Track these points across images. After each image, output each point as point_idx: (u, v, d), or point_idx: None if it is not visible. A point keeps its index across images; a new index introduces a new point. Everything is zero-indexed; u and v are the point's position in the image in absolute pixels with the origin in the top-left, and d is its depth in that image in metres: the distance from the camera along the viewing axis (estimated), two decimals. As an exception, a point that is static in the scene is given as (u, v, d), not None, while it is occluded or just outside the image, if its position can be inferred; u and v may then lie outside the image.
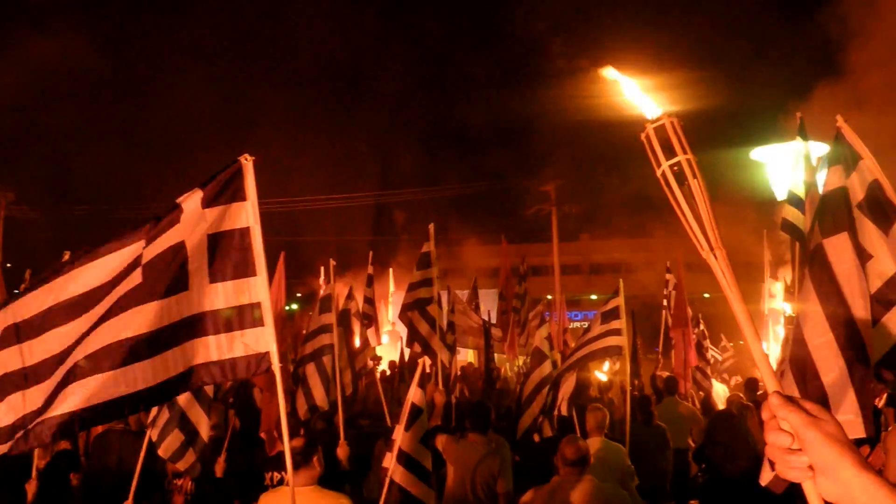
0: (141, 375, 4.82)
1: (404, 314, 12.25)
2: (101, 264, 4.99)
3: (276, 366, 5.15)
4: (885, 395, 12.98)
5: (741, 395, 12.35)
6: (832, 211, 4.99)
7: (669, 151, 1.64)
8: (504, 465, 7.73)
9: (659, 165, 1.66)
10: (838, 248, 4.78)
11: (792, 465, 1.49)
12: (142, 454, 7.02)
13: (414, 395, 6.71)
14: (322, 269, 11.28)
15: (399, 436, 6.61)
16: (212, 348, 5.08)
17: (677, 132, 1.65)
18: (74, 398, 4.69)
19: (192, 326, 5.04)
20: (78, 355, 4.79)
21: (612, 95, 1.83)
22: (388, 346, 21.99)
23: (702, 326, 17.47)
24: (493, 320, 18.48)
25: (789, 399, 1.51)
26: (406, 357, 17.01)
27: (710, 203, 1.62)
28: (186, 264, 5.05)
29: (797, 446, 1.48)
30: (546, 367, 9.79)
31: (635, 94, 1.80)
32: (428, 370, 12.62)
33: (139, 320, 4.85)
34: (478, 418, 8.09)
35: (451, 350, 13.50)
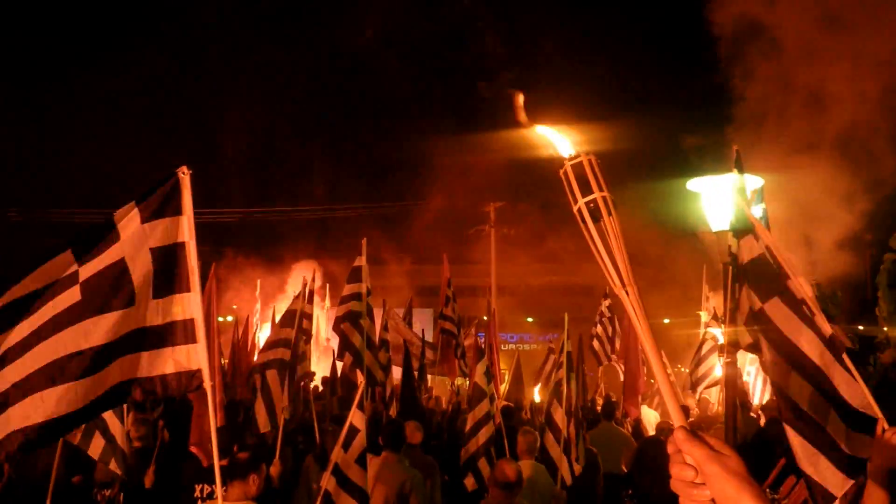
0: (82, 393, 4.70)
1: (338, 326, 12.25)
2: (29, 283, 4.81)
3: (207, 383, 5.08)
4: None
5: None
6: (760, 278, 5.38)
7: (586, 188, 1.68)
8: (416, 482, 7.73)
9: (575, 202, 1.69)
10: (779, 311, 5.11)
11: (695, 498, 1.53)
12: (56, 461, 6.92)
13: (353, 416, 6.71)
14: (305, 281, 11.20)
15: (337, 455, 6.60)
16: (144, 364, 4.97)
17: (594, 169, 1.68)
18: (13, 420, 4.56)
19: (129, 341, 4.93)
20: (9, 376, 4.64)
21: (537, 131, 1.86)
22: (322, 362, 21.83)
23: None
24: (430, 339, 18.49)
25: (693, 434, 1.54)
26: (338, 372, 16.94)
27: (622, 240, 1.65)
28: (131, 280, 4.94)
29: (700, 480, 1.52)
30: (485, 405, 9.85)
31: (555, 132, 1.83)
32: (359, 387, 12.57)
33: (79, 338, 4.75)
34: (391, 437, 8.10)
35: (386, 369, 13.45)
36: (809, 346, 4.98)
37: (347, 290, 12.27)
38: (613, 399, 15.18)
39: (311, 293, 13.99)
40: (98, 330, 4.81)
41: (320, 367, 20.37)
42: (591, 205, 1.67)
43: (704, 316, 17.32)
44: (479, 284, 36.95)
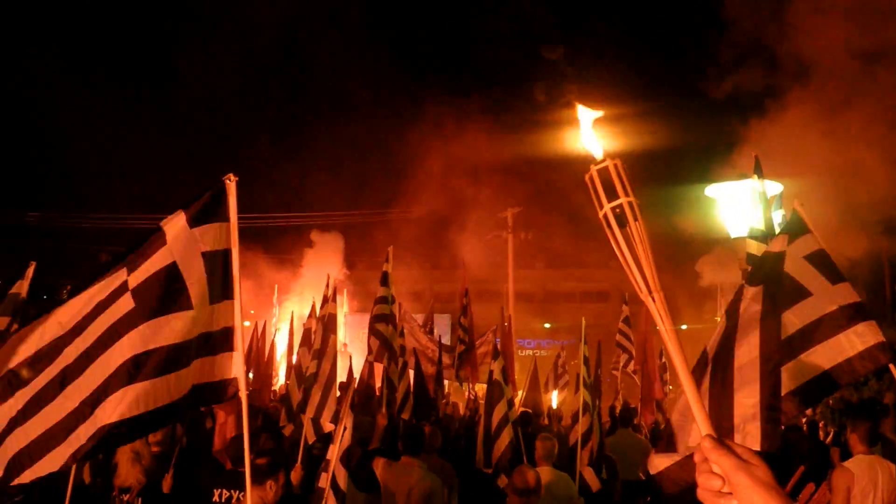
0: (146, 396, 4.68)
1: (373, 326, 12.34)
2: (86, 298, 4.85)
3: (243, 392, 5.08)
4: (831, 433, 13.19)
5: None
6: (760, 266, 5.60)
7: (612, 193, 1.66)
8: (435, 487, 7.70)
9: (601, 207, 1.67)
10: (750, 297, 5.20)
11: None
12: (74, 465, 6.93)
13: (344, 416, 6.74)
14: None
15: (332, 453, 6.63)
16: (194, 374, 4.94)
17: (620, 175, 1.66)
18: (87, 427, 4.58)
19: (191, 348, 4.91)
20: (77, 388, 4.65)
21: (565, 132, 1.85)
22: (339, 367, 21.80)
23: (664, 359, 17.63)
24: (447, 342, 18.54)
25: (721, 443, 1.52)
26: (356, 379, 16.96)
27: (650, 246, 1.63)
28: (185, 284, 4.92)
29: (727, 490, 1.50)
30: (503, 406, 9.83)
31: (583, 133, 1.82)
32: (377, 393, 12.60)
33: (136, 342, 4.73)
34: (411, 441, 8.07)
35: (401, 375, 13.44)
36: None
37: (380, 292, 12.43)
38: (632, 406, 15.13)
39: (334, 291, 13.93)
40: (158, 332, 4.79)
41: (338, 372, 20.33)
42: (617, 210, 1.66)
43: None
44: (496, 290, 36.90)
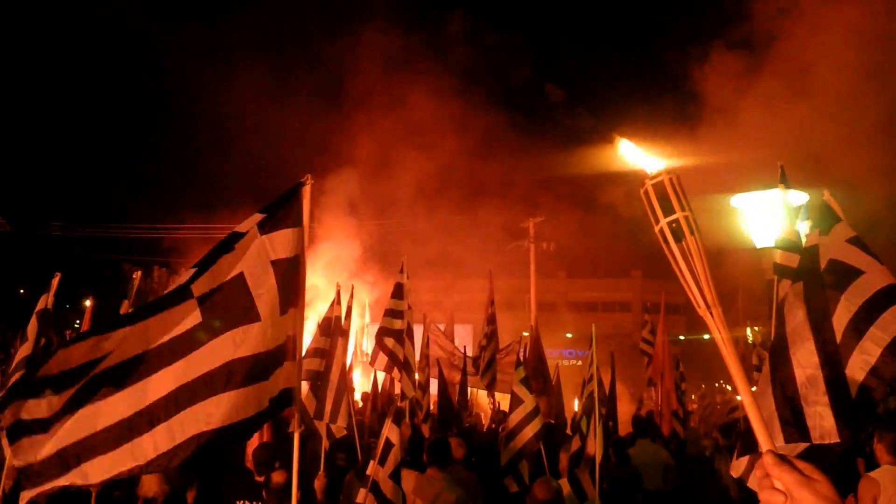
0: (222, 409, 4.54)
1: (381, 338, 12.21)
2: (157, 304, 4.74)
3: (297, 402, 4.95)
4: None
5: (718, 438, 12.36)
6: (800, 265, 5.46)
7: (668, 207, 1.65)
8: (461, 499, 7.68)
9: (657, 222, 1.67)
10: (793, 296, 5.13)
11: None
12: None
13: (389, 431, 6.70)
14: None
15: (373, 470, 6.59)
16: (271, 388, 4.77)
17: (676, 189, 1.66)
18: (157, 442, 4.44)
19: (265, 362, 4.73)
20: (142, 401, 4.48)
21: (587, 143, 1.84)
22: (362, 378, 21.82)
23: (680, 369, 17.53)
24: (469, 353, 18.52)
25: (783, 458, 1.51)
26: (379, 388, 16.95)
27: (706, 260, 1.62)
28: (251, 296, 4.75)
29: None
30: (528, 404, 9.75)
31: (634, 149, 1.80)
32: (400, 403, 12.56)
33: (207, 357, 4.60)
34: (436, 453, 8.05)
35: (423, 387, 13.40)
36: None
37: (391, 304, 12.27)
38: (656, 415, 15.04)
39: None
40: (229, 346, 4.65)
41: (361, 382, 20.33)
42: (674, 225, 1.65)
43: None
44: (518, 300, 36.79)
